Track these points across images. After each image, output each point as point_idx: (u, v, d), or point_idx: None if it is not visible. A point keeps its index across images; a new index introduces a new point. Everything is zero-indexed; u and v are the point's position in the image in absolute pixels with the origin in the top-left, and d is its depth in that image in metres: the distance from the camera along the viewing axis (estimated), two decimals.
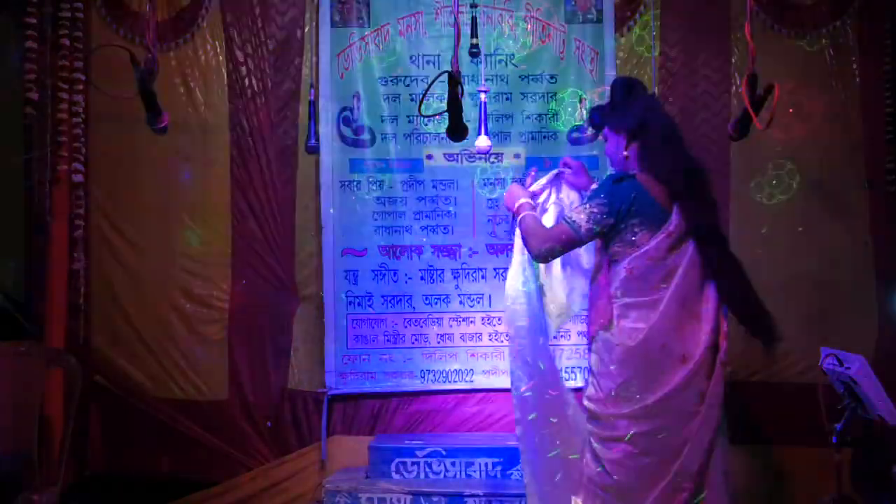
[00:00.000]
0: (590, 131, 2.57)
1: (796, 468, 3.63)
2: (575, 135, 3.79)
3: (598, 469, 2.34)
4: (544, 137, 3.80)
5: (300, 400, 3.80)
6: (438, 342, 3.78)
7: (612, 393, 2.32)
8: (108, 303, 3.79)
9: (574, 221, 2.36)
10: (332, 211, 3.77)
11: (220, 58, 3.81)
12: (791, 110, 3.74)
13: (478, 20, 3.06)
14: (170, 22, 3.76)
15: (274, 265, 3.81)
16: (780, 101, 2.66)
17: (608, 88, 2.76)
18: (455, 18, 2.71)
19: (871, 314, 3.72)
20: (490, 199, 3.80)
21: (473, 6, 2.99)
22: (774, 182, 3.77)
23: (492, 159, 3.77)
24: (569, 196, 2.75)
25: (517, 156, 3.80)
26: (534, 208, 2.58)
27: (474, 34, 3.03)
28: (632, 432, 2.29)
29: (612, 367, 2.33)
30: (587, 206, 2.37)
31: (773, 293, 3.73)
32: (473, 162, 3.79)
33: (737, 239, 3.78)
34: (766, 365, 3.76)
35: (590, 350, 2.48)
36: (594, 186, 2.60)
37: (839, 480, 2.97)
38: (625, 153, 2.45)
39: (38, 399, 3.28)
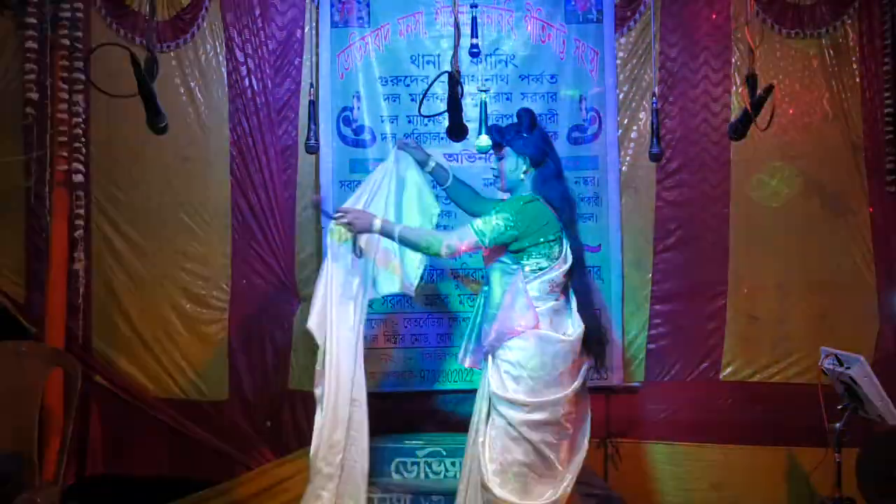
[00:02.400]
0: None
1: (796, 468, 3.64)
2: (574, 135, 3.79)
3: (525, 449, 2.66)
4: None
5: (300, 400, 3.80)
6: (438, 342, 3.78)
7: (550, 380, 2.66)
8: (108, 303, 3.79)
9: (481, 230, 2.69)
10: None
11: (220, 58, 3.81)
12: (791, 111, 3.75)
13: (478, 20, 3.05)
14: (170, 22, 3.77)
15: (274, 265, 3.81)
16: (779, 101, 2.67)
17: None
18: (455, 18, 2.71)
19: (871, 314, 3.73)
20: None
21: (473, 6, 2.98)
22: (774, 182, 3.78)
23: (492, 159, 3.75)
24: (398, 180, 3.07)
25: None
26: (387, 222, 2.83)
27: (474, 34, 3.03)
28: (562, 412, 2.67)
29: (548, 359, 2.67)
30: (494, 218, 2.69)
31: (774, 293, 3.78)
32: (473, 162, 3.78)
33: (737, 239, 3.80)
34: (766, 365, 3.77)
35: (501, 348, 2.72)
36: (503, 199, 2.90)
37: (839, 480, 2.97)
38: (522, 176, 2.81)
39: (38, 399, 3.28)
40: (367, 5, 3.79)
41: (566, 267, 2.76)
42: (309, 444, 3.74)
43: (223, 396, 3.80)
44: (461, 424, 3.72)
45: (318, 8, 3.76)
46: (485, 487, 2.69)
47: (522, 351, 2.69)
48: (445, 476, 3.48)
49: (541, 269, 2.72)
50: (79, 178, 3.67)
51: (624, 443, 3.77)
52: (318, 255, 3.79)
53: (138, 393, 3.77)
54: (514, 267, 2.74)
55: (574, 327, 2.75)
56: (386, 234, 2.79)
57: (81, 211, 3.71)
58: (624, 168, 3.82)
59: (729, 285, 3.79)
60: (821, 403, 3.01)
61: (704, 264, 3.81)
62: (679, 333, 3.81)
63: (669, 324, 3.81)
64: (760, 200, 3.78)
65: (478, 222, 2.71)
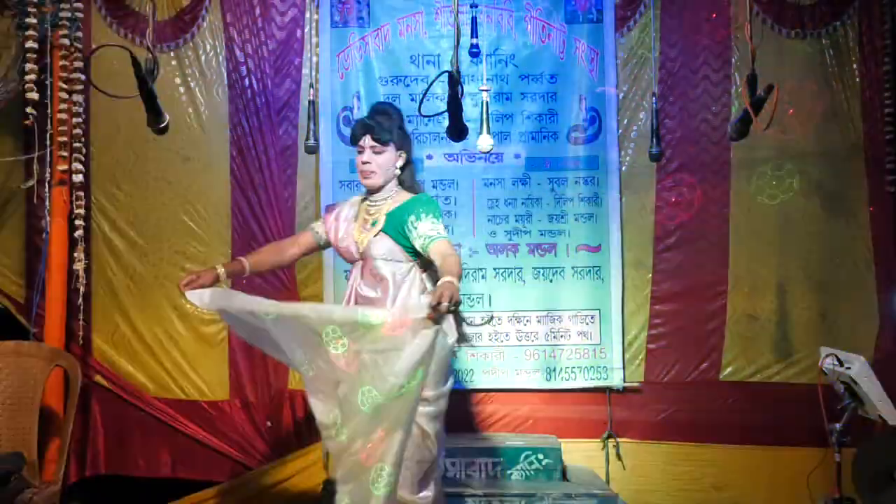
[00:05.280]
0: (370, 139, 2.65)
1: (796, 468, 3.63)
2: (574, 134, 3.80)
3: (431, 440, 2.63)
4: (544, 137, 3.80)
5: (300, 400, 3.80)
6: None
7: (446, 370, 2.67)
8: (108, 303, 3.79)
9: (443, 234, 2.60)
10: None
11: (220, 58, 3.81)
12: (791, 111, 3.74)
13: (478, 20, 3.06)
14: (170, 22, 3.77)
15: None
16: (779, 101, 2.67)
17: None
18: (455, 18, 2.72)
19: (871, 314, 3.72)
20: (490, 200, 3.80)
21: (473, 6, 2.99)
22: (774, 182, 3.78)
23: (492, 159, 3.76)
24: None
25: (517, 156, 3.80)
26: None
27: (474, 34, 3.04)
28: (445, 404, 2.68)
29: (445, 351, 2.61)
30: (434, 220, 2.61)
31: (774, 293, 3.78)
32: (473, 162, 3.79)
33: (737, 239, 3.80)
34: (766, 365, 3.77)
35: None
36: (411, 199, 2.71)
37: (839, 480, 2.96)
38: (397, 171, 2.72)
39: (38, 399, 3.28)
40: (367, 5, 3.79)
41: None
42: (309, 444, 3.77)
43: (223, 396, 3.80)
44: (462, 424, 3.76)
45: (318, 8, 3.76)
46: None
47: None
48: (445, 476, 3.46)
49: (422, 266, 2.68)
50: (79, 178, 3.66)
51: (624, 443, 3.77)
52: (318, 255, 3.79)
53: (138, 393, 3.77)
54: (408, 262, 2.66)
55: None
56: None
57: (81, 211, 3.70)
58: (624, 168, 3.82)
59: (729, 285, 3.79)
60: (821, 403, 3.01)
61: (704, 264, 3.80)
62: (679, 333, 3.80)
63: (669, 324, 3.81)
64: (760, 200, 3.78)
65: (437, 228, 2.60)
